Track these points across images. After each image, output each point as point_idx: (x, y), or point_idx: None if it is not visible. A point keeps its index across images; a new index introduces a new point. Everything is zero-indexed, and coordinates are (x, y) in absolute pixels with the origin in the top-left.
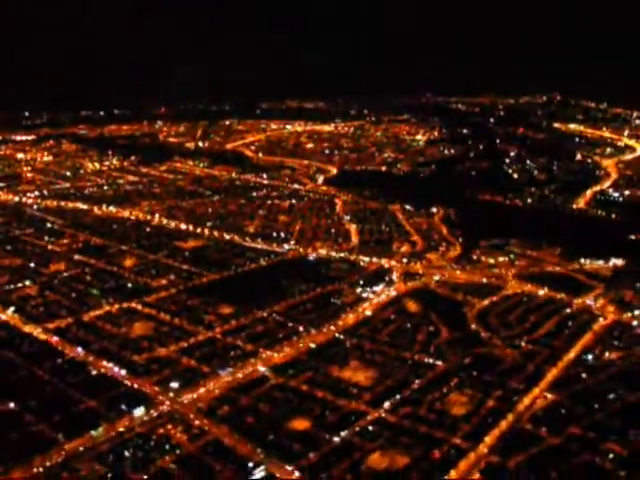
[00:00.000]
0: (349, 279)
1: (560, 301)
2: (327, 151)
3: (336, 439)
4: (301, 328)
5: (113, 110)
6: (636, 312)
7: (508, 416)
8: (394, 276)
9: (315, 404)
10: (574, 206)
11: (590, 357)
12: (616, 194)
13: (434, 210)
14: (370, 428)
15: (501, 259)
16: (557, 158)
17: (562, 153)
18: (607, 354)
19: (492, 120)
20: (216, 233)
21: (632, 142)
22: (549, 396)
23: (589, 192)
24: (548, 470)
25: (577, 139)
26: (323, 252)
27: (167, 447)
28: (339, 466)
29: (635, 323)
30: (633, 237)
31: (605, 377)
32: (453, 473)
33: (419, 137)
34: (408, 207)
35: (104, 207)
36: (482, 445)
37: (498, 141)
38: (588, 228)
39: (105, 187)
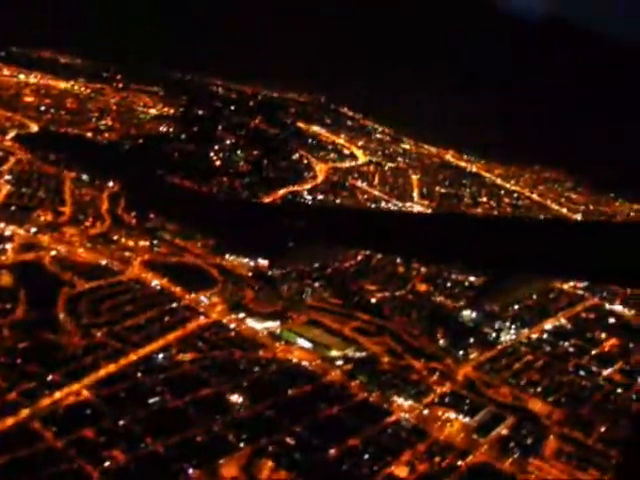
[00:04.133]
0: None
1: (172, 294)
2: (43, 107)
3: None
4: None
5: None
6: (241, 315)
7: (22, 412)
8: (8, 245)
9: None
10: (260, 201)
11: (161, 356)
12: (309, 197)
13: (110, 184)
14: None
15: (142, 243)
16: (272, 153)
17: (281, 150)
18: (182, 355)
19: (232, 107)
20: None
21: (359, 152)
22: (85, 394)
23: (283, 191)
24: None
25: (310, 140)
26: None
27: None
28: None
29: (232, 325)
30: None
31: (161, 379)
32: None
33: (152, 111)
34: (85, 177)
35: None
36: None
37: (220, 127)
38: (257, 224)
39: None
